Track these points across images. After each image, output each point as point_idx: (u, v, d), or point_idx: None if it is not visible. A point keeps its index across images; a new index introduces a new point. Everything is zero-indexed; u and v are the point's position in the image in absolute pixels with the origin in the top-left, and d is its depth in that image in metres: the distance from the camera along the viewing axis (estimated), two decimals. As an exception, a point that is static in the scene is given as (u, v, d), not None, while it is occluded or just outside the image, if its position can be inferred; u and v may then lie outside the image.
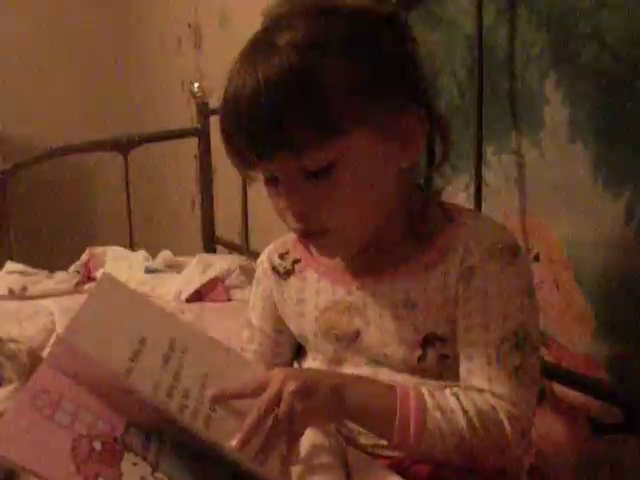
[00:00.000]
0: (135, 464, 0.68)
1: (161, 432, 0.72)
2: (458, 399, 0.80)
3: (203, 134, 2.09)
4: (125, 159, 2.04)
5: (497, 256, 0.82)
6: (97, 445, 0.67)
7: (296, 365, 0.98)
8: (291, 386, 0.75)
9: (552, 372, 1.15)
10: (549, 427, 1.16)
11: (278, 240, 0.99)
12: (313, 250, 0.93)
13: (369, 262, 0.88)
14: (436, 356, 0.85)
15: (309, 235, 0.83)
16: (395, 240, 0.87)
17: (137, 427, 0.71)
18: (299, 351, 0.99)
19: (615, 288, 1.08)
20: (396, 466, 0.81)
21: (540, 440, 1.13)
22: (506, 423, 0.79)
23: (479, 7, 1.20)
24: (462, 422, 0.78)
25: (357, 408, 0.79)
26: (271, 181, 0.82)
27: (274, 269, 0.97)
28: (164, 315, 0.84)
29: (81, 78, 2.83)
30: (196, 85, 2.07)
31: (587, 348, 1.13)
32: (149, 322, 0.80)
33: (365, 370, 0.88)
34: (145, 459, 0.69)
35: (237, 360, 0.86)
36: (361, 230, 0.84)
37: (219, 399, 0.75)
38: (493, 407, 0.79)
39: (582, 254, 1.12)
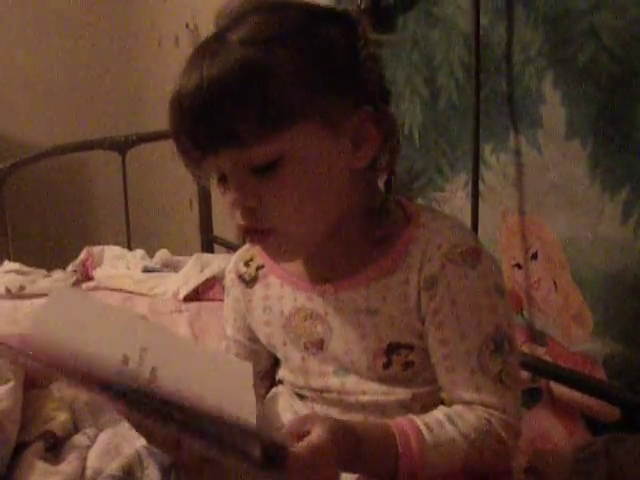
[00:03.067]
0: None
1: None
2: (455, 425, 0.79)
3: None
4: (123, 158, 2.04)
5: (458, 261, 0.80)
6: None
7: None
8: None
9: (550, 371, 1.15)
10: (546, 426, 1.17)
11: (244, 247, 0.96)
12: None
13: (328, 267, 0.86)
14: (401, 363, 0.84)
15: (255, 233, 0.80)
16: (353, 243, 0.85)
17: None
18: (277, 359, 0.96)
19: (613, 287, 1.08)
20: None
21: (537, 439, 1.13)
22: (503, 433, 0.79)
23: (476, 6, 1.20)
24: (464, 447, 0.78)
25: (361, 469, 0.78)
26: (221, 181, 0.80)
27: (240, 277, 0.94)
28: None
29: (78, 78, 2.83)
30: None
31: (585, 347, 1.14)
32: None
33: (333, 380, 0.87)
34: None
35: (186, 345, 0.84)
36: (309, 230, 0.81)
37: None
38: (488, 421, 0.79)
39: (580, 253, 1.12)
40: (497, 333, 0.81)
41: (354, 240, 0.85)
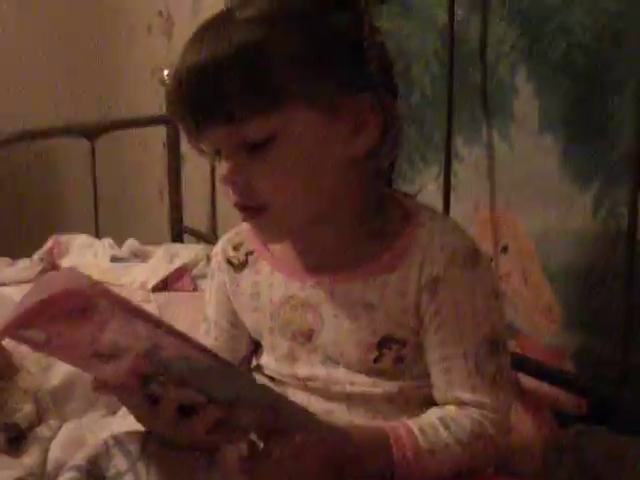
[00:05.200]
0: None
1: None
2: (449, 430, 0.81)
3: (172, 122, 2.06)
4: (92, 145, 2.01)
5: (460, 264, 0.81)
6: None
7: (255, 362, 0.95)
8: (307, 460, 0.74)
9: (519, 363, 1.15)
10: (515, 418, 1.17)
11: (232, 230, 0.96)
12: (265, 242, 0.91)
13: (325, 259, 0.87)
14: (392, 358, 0.85)
15: (247, 210, 0.81)
16: (348, 234, 0.85)
17: None
18: (256, 346, 0.96)
19: (582, 280, 1.09)
20: None
21: (505, 431, 1.13)
22: (495, 434, 0.82)
23: (451, 0, 1.20)
24: (458, 452, 0.80)
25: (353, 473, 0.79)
26: (218, 154, 0.81)
27: (228, 261, 0.94)
28: None
29: (48, 64, 2.79)
30: (166, 72, 2.03)
31: (554, 340, 1.14)
32: None
33: (319, 369, 0.87)
34: None
35: None
36: (299, 212, 0.82)
37: None
38: (481, 423, 0.81)
39: (550, 246, 1.13)
40: (493, 335, 0.83)
41: (349, 231, 0.85)
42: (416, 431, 0.80)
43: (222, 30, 0.77)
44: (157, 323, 0.69)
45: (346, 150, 0.81)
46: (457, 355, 0.82)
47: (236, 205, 0.81)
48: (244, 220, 0.85)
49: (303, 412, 0.78)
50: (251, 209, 0.81)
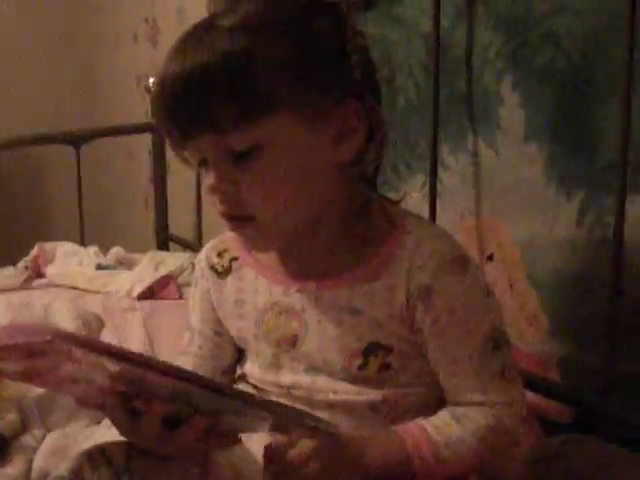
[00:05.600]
0: None
1: None
2: (463, 425, 0.82)
3: (157, 130, 2.06)
4: (77, 153, 2.01)
5: (450, 270, 0.81)
6: None
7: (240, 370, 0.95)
8: (316, 465, 0.75)
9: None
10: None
11: (217, 237, 0.96)
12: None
13: (310, 264, 0.86)
14: (378, 365, 0.84)
15: (233, 220, 0.81)
16: (334, 240, 0.85)
17: None
18: (240, 354, 0.95)
19: (567, 288, 1.09)
20: None
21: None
22: (512, 427, 0.83)
23: (437, 7, 1.20)
24: (474, 444, 0.81)
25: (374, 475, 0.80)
26: (202, 165, 0.81)
27: (212, 268, 0.93)
28: None
29: (33, 71, 2.78)
30: (151, 80, 2.03)
31: (539, 348, 1.14)
32: None
33: (303, 377, 0.87)
34: None
35: None
36: (287, 221, 0.81)
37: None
38: (495, 416, 0.82)
39: (535, 254, 1.13)
40: (494, 331, 0.83)
41: (335, 236, 0.85)
42: (429, 428, 0.81)
43: (206, 37, 0.76)
44: (127, 358, 0.68)
45: (333, 156, 0.80)
46: (462, 358, 0.82)
47: (223, 215, 0.81)
48: (232, 230, 0.84)
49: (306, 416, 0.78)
50: (239, 219, 0.80)
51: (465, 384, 0.83)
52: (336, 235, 0.85)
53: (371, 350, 0.84)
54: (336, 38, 0.80)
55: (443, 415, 0.83)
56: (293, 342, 0.87)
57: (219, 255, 0.93)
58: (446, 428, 0.82)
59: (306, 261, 0.86)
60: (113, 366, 0.68)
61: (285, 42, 0.77)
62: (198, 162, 0.81)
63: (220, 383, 0.82)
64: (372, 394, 0.84)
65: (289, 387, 0.87)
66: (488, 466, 0.84)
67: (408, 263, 0.82)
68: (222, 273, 0.92)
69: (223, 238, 0.94)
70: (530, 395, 1.13)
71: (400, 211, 0.88)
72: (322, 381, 0.86)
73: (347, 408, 0.85)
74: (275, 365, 0.88)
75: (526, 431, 0.88)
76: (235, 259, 0.91)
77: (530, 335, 1.15)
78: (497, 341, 0.83)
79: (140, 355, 0.70)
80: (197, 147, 0.79)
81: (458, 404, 0.84)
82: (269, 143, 0.76)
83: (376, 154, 0.84)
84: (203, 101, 0.74)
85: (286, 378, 0.88)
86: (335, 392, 0.85)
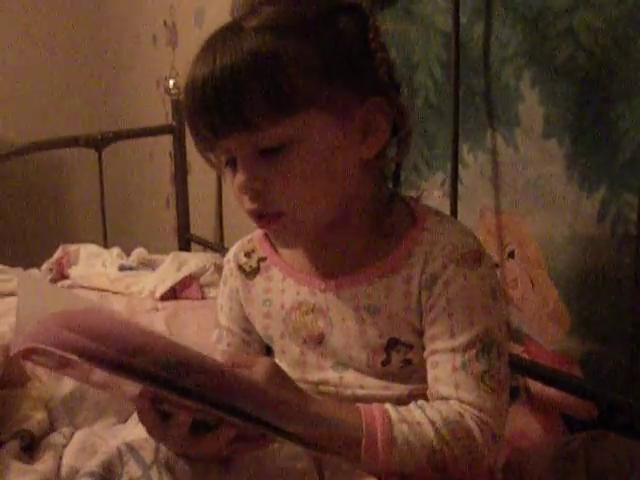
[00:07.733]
0: None
1: None
2: (424, 411, 0.79)
3: (178, 131, 2.07)
4: (99, 156, 2.03)
5: (459, 261, 0.82)
6: None
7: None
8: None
9: (527, 369, 1.15)
10: (524, 424, 1.17)
11: (245, 238, 0.97)
12: (279, 248, 0.92)
13: (333, 263, 0.87)
14: (400, 361, 0.85)
15: (262, 217, 0.82)
16: (360, 237, 0.86)
17: None
18: (269, 351, 0.96)
19: (589, 285, 1.08)
20: None
21: (515, 437, 1.13)
22: (475, 429, 0.78)
23: (456, 5, 1.20)
24: (430, 433, 0.78)
25: (322, 421, 0.77)
26: (230, 165, 0.82)
27: (240, 268, 0.95)
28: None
29: (55, 75, 2.80)
30: (171, 82, 2.05)
31: (561, 345, 1.14)
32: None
33: (331, 373, 0.88)
34: None
35: None
36: (315, 216, 0.82)
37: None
38: (460, 414, 0.79)
39: (557, 251, 1.13)
40: (486, 335, 0.81)
41: (359, 232, 0.86)
42: (388, 406, 0.80)
43: (234, 40, 0.77)
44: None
45: (359, 152, 0.82)
46: (445, 350, 0.81)
47: (252, 213, 0.82)
48: (260, 227, 0.85)
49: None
50: (267, 216, 0.82)
51: (440, 377, 0.81)
52: (360, 231, 0.86)
53: (392, 346, 0.85)
54: (360, 37, 0.82)
55: (410, 404, 0.82)
56: (319, 340, 0.88)
57: (247, 255, 0.95)
58: (406, 412, 0.79)
59: (332, 259, 0.88)
60: (139, 386, 0.69)
61: (310, 42, 0.78)
62: (225, 162, 0.82)
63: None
64: (398, 389, 0.85)
65: (317, 383, 0.89)
66: (440, 464, 0.78)
67: (424, 256, 0.83)
68: (250, 273, 0.94)
69: (251, 238, 0.96)
70: (553, 392, 1.13)
71: (422, 207, 0.89)
72: (350, 376, 0.87)
73: (375, 403, 0.85)
74: (302, 362, 0.90)
75: (496, 449, 0.80)
76: (263, 259, 0.93)
77: (552, 332, 1.15)
78: (487, 346, 0.81)
79: (169, 374, 0.67)
80: (226, 147, 0.80)
81: (432, 398, 0.82)
82: (298, 140, 0.78)
83: (401, 150, 0.85)
84: (235, 101, 0.76)
85: (313, 375, 0.89)
86: (362, 387, 0.86)
